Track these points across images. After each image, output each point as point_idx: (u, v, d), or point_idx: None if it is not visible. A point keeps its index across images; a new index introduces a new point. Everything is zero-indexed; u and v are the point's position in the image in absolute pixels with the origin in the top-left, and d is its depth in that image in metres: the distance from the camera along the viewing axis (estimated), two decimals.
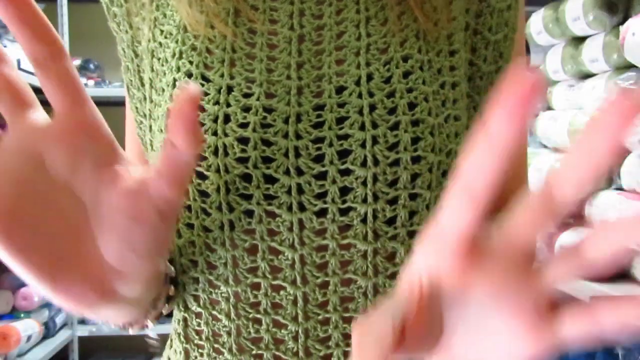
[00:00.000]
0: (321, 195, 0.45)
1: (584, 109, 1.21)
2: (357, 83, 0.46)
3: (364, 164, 0.44)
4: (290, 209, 0.45)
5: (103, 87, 3.06)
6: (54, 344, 2.74)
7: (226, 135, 0.45)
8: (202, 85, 0.47)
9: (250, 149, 0.44)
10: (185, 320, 0.49)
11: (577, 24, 1.19)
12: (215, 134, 0.45)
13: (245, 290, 0.46)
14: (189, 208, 0.47)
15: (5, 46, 2.47)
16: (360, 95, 0.45)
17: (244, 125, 0.45)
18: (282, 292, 0.46)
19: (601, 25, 1.14)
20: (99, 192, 0.33)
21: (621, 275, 1.08)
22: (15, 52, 2.51)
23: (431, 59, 0.48)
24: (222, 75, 0.47)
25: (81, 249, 0.33)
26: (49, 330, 2.78)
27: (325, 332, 0.46)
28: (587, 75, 1.22)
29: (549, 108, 1.37)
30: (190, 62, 0.48)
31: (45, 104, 0.34)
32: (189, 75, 0.48)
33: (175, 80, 0.49)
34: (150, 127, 0.52)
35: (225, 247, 0.46)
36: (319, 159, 0.45)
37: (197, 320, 0.48)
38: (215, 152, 0.45)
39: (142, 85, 0.54)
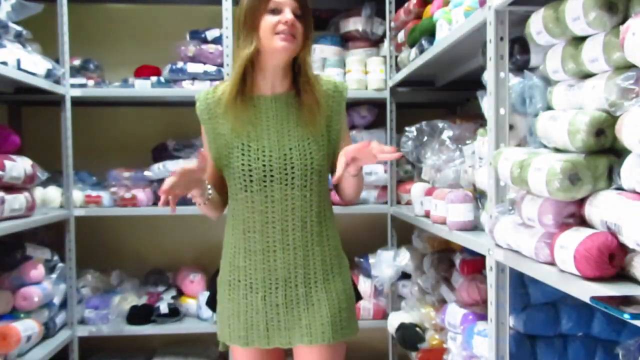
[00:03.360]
0: (287, 189, 1.77)
1: (584, 109, 1.21)
2: (291, 149, 1.75)
3: (299, 183, 1.76)
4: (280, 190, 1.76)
5: (103, 87, 3.05)
6: (54, 344, 2.73)
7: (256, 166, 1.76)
8: (249, 146, 1.76)
9: (267, 171, 1.75)
10: (244, 230, 1.77)
11: (577, 24, 1.19)
12: (257, 162, 1.75)
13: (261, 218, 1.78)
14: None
15: (5, 46, 2.47)
16: (293, 155, 1.75)
17: (263, 162, 1.75)
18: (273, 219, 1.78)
19: (601, 25, 1.14)
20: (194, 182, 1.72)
21: (621, 275, 1.08)
22: (15, 52, 2.50)
23: (316, 139, 1.77)
24: (256, 144, 1.77)
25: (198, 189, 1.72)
26: (49, 331, 2.77)
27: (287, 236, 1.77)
28: (587, 75, 1.23)
29: (549, 108, 1.37)
30: (238, 140, 1.76)
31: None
32: (239, 146, 1.76)
33: (236, 147, 1.77)
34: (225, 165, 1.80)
35: (260, 203, 1.77)
36: (285, 180, 1.75)
37: (250, 227, 1.78)
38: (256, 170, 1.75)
39: (214, 150, 1.80)
